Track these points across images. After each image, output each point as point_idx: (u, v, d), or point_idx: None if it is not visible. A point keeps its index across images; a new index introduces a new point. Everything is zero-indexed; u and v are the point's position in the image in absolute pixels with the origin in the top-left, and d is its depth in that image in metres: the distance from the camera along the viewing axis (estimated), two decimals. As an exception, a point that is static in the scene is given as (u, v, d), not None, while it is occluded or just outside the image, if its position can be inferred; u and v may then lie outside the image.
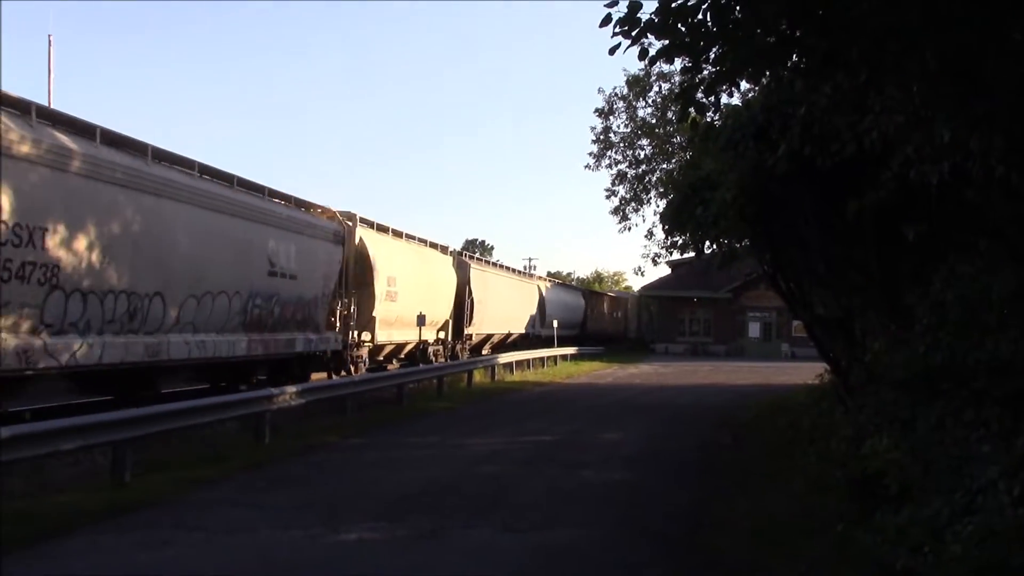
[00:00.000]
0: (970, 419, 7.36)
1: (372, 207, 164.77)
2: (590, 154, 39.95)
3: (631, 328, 75.18)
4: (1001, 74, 6.28)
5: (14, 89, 12.60)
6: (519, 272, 48.95)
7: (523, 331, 44.13)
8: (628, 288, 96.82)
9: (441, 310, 30.27)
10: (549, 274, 78.73)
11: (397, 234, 27.32)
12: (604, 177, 41.69)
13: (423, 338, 28.01)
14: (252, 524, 8.72)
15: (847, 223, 10.88)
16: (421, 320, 26.62)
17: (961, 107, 6.64)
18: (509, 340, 41.88)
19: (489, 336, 38.65)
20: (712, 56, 6.28)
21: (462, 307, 33.81)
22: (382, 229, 25.96)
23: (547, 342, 42.89)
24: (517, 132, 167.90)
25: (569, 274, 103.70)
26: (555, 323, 43.16)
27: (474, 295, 34.50)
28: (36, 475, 10.47)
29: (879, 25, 5.93)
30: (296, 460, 12.60)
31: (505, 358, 31.96)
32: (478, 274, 35.70)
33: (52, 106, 14.12)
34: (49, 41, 15.95)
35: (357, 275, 23.44)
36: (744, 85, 9.89)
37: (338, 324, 22.54)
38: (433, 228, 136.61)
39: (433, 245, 31.14)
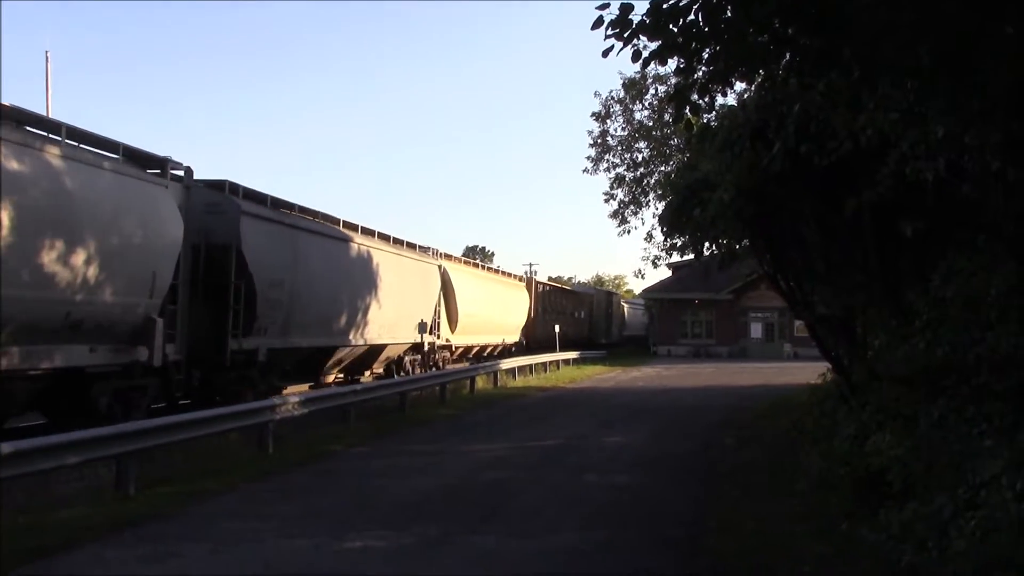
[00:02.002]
0: (972, 415, 7.37)
1: (371, 214, 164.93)
2: (588, 158, 40.11)
3: (599, 330, 63.67)
4: (995, 69, 6.29)
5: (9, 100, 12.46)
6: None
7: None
8: (629, 292, 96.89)
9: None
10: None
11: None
12: (602, 181, 41.88)
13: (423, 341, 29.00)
14: (258, 534, 8.71)
15: (845, 221, 10.89)
16: (423, 327, 28.24)
17: (956, 103, 6.65)
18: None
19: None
20: (705, 56, 6.29)
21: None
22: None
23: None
24: (516, 139, 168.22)
25: (570, 279, 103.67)
26: (556, 327, 43.10)
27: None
28: (41, 490, 10.46)
29: (872, 23, 5.94)
30: (300, 470, 12.59)
31: (507, 363, 31.94)
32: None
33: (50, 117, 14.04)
34: (47, 57, 15.97)
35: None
36: (739, 85, 9.92)
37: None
38: (431, 235, 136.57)
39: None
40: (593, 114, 39.49)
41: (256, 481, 11.64)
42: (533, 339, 46.87)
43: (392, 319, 25.93)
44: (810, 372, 19.71)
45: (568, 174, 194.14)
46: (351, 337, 23.28)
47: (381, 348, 25.83)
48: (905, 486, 7.29)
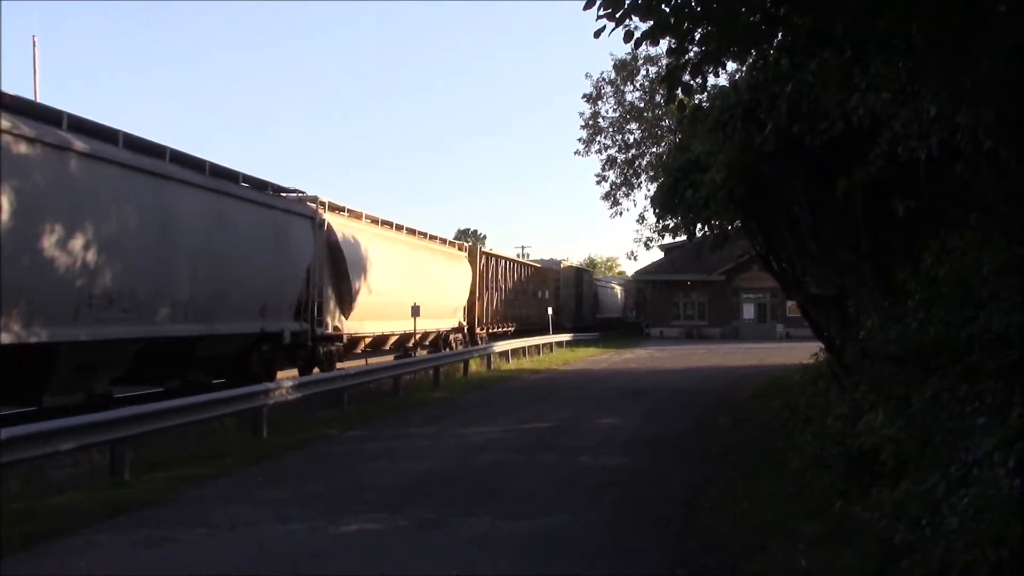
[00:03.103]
0: (964, 393, 7.37)
1: (361, 197, 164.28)
2: (579, 140, 40.16)
3: (567, 312, 56.09)
4: (987, 47, 6.27)
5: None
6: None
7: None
8: (622, 274, 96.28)
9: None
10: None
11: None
12: (594, 163, 41.82)
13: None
14: (253, 519, 8.73)
15: (837, 201, 10.88)
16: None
17: (947, 81, 6.64)
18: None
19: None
20: (697, 37, 6.27)
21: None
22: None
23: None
24: (507, 122, 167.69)
25: (563, 260, 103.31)
26: (549, 310, 43.12)
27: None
28: (35, 476, 10.45)
29: (863, 0, 5.92)
30: (295, 454, 12.61)
31: (501, 346, 32.07)
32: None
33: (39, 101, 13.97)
34: (34, 42, 15.72)
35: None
36: (730, 65, 9.89)
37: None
38: (424, 219, 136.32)
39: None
40: (584, 95, 39.48)
41: (250, 465, 11.65)
42: (480, 323, 39.43)
43: (208, 296, 17.33)
44: (802, 352, 19.74)
45: (560, 157, 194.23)
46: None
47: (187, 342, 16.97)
48: (898, 465, 7.30)
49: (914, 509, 6.10)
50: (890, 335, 8.97)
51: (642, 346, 45.50)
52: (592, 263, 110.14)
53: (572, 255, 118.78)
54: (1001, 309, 7.64)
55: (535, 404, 19.12)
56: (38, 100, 14.37)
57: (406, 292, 27.50)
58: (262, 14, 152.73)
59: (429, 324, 31.47)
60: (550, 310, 43.36)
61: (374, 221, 28.65)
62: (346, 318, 24.68)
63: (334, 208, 25.12)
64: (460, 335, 36.30)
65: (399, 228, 30.77)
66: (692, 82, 6.83)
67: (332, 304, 23.82)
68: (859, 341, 10.76)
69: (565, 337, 41.96)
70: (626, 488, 10.36)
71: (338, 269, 24.12)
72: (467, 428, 15.35)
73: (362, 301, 25.11)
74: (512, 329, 44.07)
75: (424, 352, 30.33)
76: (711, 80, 7.52)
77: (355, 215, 26.97)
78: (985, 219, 8.63)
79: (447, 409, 18.11)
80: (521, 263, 52.46)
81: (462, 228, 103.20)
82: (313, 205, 23.12)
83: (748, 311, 56.13)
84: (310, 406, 16.47)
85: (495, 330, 41.95)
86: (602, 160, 39.91)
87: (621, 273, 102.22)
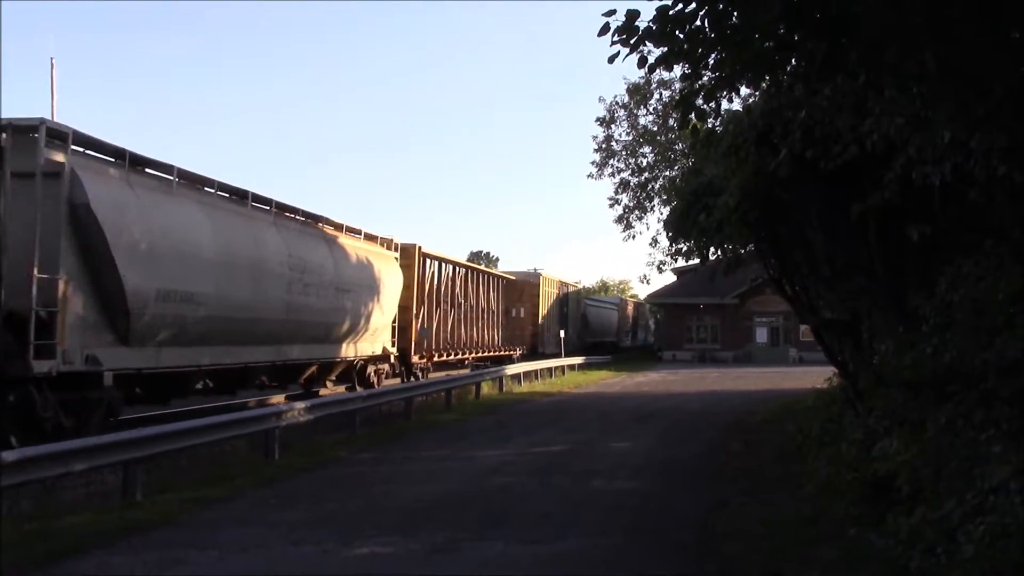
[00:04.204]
0: (980, 420, 7.34)
1: (373, 219, 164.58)
2: (592, 163, 40.21)
3: (546, 337, 47.23)
4: (1001, 73, 6.28)
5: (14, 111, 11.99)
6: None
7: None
8: (634, 297, 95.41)
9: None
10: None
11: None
12: (607, 186, 41.72)
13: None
14: (265, 541, 8.72)
15: (851, 225, 10.88)
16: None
17: (961, 108, 6.65)
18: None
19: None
20: (711, 62, 6.30)
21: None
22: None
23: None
24: (521, 145, 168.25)
25: (576, 283, 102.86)
26: (562, 333, 43.06)
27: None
28: (48, 496, 10.49)
29: (877, 26, 5.94)
30: (307, 476, 12.61)
31: (512, 369, 31.97)
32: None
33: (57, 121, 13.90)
34: (52, 64, 15.77)
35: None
36: (744, 90, 9.92)
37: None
38: (437, 241, 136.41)
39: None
40: (598, 119, 39.61)
41: (262, 487, 11.65)
42: (421, 350, 30.39)
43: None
44: (816, 377, 19.66)
45: (573, 180, 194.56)
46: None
47: None
48: (913, 491, 7.27)
49: (929, 536, 6.07)
50: (905, 360, 8.94)
51: (655, 369, 45.38)
52: (605, 286, 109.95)
53: (584, 278, 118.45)
54: (1017, 335, 7.60)
55: (547, 427, 19.07)
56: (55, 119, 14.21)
57: (259, 299, 19.00)
58: (254, 17, 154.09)
59: (321, 351, 22.69)
60: (562, 333, 43.03)
61: (192, 181, 17.88)
62: (126, 345, 15.02)
63: (81, 142, 14.58)
64: (386, 365, 27.55)
65: (240, 196, 19.41)
66: (706, 107, 6.85)
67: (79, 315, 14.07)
68: (873, 366, 10.73)
69: (577, 360, 41.89)
70: (640, 512, 10.32)
71: (91, 252, 14.32)
72: (479, 451, 15.32)
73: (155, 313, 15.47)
74: (470, 358, 36.30)
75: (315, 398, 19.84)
76: (724, 105, 7.55)
77: (135, 167, 15.96)
78: (999, 245, 8.60)
79: (459, 432, 18.08)
80: (484, 272, 41.36)
81: (474, 250, 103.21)
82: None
83: (761, 335, 55.94)
84: (321, 428, 16.47)
85: (446, 357, 33.34)
86: (615, 183, 40.01)
87: (634, 296, 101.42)
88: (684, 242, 16.15)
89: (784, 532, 8.55)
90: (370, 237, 26.80)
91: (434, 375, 29.76)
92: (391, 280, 26.98)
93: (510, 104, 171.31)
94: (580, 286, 58.32)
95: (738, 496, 10.82)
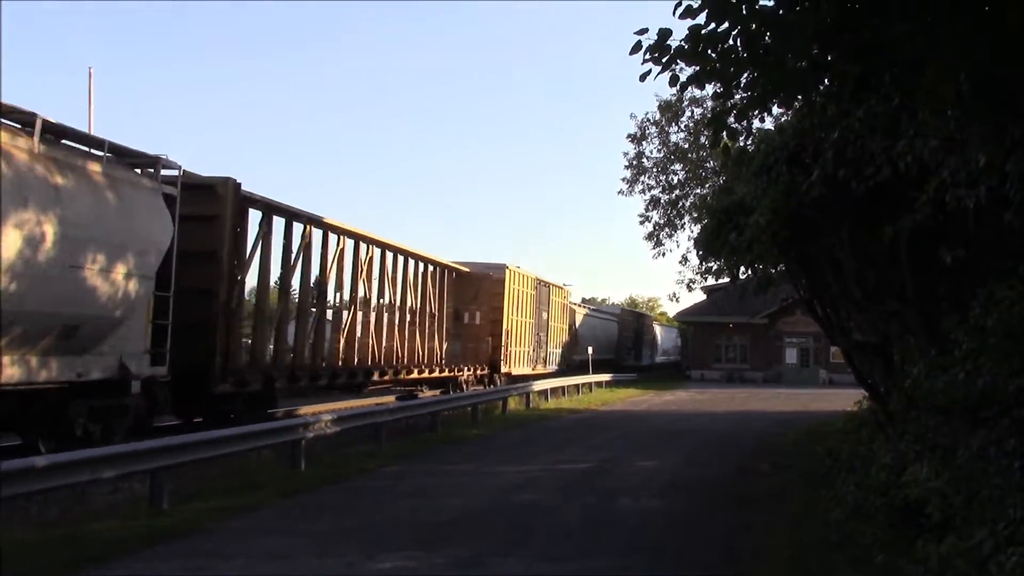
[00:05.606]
0: (1013, 447, 7.22)
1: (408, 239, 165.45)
2: (623, 179, 39.98)
3: (521, 349, 37.74)
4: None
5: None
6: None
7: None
8: (663, 315, 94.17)
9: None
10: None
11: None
12: (638, 203, 41.40)
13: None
14: (289, 552, 8.75)
15: (883, 247, 10.78)
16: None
17: (996, 131, 6.58)
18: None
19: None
20: (743, 82, 6.28)
21: None
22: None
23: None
24: (550, 160, 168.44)
25: (604, 300, 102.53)
26: (590, 349, 42.89)
27: None
28: (76, 503, 10.59)
29: (911, 51, 5.90)
30: (332, 488, 12.63)
31: (539, 385, 31.88)
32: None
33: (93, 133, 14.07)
34: (90, 74, 15.97)
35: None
36: (776, 110, 9.87)
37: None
38: (464, 256, 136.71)
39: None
40: (629, 135, 39.46)
41: (288, 498, 11.69)
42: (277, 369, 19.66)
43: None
44: (846, 399, 19.48)
45: (603, 196, 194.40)
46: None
47: None
48: (943, 519, 7.16)
49: (960, 566, 5.98)
50: (936, 385, 8.82)
51: (683, 388, 45.15)
52: (633, 303, 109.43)
53: (614, 295, 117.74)
54: (1051, 362, 7.49)
55: (574, 444, 19.00)
56: (91, 130, 14.42)
57: None
58: (268, 19, 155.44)
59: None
60: (590, 349, 42.70)
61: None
62: None
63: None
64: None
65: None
66: (737, 126, 6.84)
67: None
68: (904, 390, 10.60)
69: (604, 377, 41.72)
70: (666, 532, 10.24)
71: None
72: (505, 466, 15.29)
73: None
74: (387, 379, 26.09)
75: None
76: (756, 124, 7.53)
77: None
78: (1035, 270, 8.48)
79: (485, 447, 18.06)
80: (415, 256, 28.09)
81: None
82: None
83: (791, 355, 55.48)
84: (347, 440, 16.51)
85: (299, 383, 21.00)
86: (645, 200, 39.84)
87: (663, 314, 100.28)
88: (714, 260, 16.07)
89: (811, 557, 8.46)
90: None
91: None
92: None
93: (539, 121, 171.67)
94: (567, 288, 48.13)
95: (765, 518, 10.73)
